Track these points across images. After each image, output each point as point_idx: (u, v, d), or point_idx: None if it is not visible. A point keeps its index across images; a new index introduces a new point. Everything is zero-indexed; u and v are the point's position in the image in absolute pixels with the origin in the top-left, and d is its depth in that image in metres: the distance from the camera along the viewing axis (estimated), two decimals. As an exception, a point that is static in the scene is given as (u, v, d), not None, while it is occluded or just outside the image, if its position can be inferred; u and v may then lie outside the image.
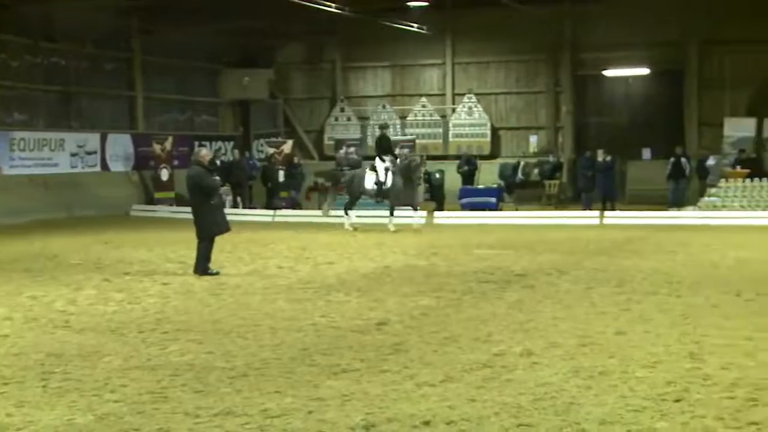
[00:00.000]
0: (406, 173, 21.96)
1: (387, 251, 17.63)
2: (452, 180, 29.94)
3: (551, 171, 31.98)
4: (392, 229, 21.50)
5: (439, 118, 34.91)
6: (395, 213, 22.10)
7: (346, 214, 22.44)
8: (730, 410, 6.53)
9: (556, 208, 28.82)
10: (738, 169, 26.55)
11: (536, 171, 31.96)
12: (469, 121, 34.41)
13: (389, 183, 21.98)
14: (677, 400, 6.79)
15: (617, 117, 33.51)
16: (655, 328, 9.56)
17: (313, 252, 17.61)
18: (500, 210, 28.03)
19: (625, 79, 33.44)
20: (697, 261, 15.45)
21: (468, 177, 30.00)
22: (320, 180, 31.72)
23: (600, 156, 28.57)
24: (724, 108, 31.09)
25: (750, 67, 30.98)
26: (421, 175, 22.21)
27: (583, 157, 29.72)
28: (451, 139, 34.58)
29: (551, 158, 32.58)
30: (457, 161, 30.88)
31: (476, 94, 34.40)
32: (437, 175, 29.78)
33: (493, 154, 34.02)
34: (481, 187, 29.80)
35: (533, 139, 34.00)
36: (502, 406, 6.70)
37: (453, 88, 35.13)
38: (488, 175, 30.82)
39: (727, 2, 30.21)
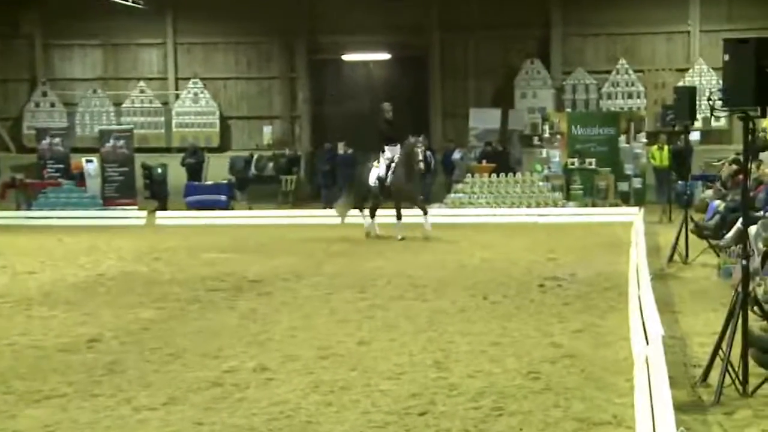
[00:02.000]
0: (408, 161, 19.98)
1: (101, 257, 17.27)
2: (177, 176, 29.49)
3: (288, 165, 32.26)
4: (399, 237, 19.75)
5: (160, 105, 34.27)
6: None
7: (372, 216, 20.75)
8: (475, 421, 6.86)
9: (294, 207, 29.15)
10: (484, 163, 27.95)
11: (271, 165, 32.11)
12: (195, 108, 34.07)
13: (389, 179, 20.02)
14: (422, 414, 7.05)
15: (359, 106, 34.31)
16: (400, 336, 9.88)
17: (11, 259, 16.92)
18: (231, 209, 28.00)
19: (366, 64, 34.33)
20: (444, 262, 16.13)
21: (194, 172, 29.72)
22: (18, 176, 30.31)
23: (341, 149, 29.18)
24: (469, 98, 32.63)
25: (494, 54, 32.67)
26: (419, 155, 19.89)
27: (323, 150, 30.20)
28: (174, 129, 34.05)
29: (287, 151, 32.88)
30: (182, 154, 30.51)
31: (202, 79, 34.09)
32: (159, 170, 29.26)
33: (223, 147, 33.88)
34: (209, 183, 29.62)
35: (267, 130, 34.16)
36: (233, 429, 6.71)
37: (176, 71, 34.60)
38: (218, 170, 30.64)
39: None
